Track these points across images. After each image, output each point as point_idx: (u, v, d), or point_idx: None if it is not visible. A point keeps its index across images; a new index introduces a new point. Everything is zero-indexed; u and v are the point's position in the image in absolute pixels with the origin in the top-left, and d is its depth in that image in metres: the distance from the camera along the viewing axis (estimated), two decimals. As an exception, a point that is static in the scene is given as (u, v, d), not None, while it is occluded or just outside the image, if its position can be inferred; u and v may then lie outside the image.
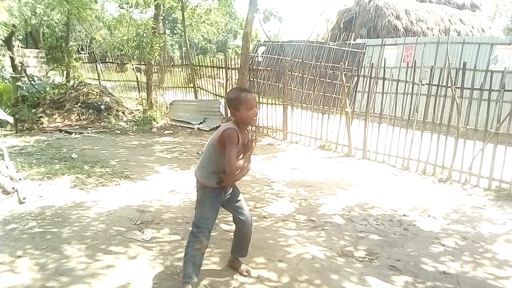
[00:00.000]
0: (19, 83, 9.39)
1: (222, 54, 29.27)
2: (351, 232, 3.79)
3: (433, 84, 6.15)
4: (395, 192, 5.17)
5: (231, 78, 9.97)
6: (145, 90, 12.23)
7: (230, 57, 10.88)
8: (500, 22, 36.00)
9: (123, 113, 10.79)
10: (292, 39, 18.89)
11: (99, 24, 19.62)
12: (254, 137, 2.82)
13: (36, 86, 10.76)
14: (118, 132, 9.11)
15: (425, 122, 6.33)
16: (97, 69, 15.81)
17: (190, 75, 11.47)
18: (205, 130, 9.48)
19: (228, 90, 9.77)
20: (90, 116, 9.93)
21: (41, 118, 9.50)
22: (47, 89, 11.19)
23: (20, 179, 4.72)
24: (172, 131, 9.46)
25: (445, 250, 3.48)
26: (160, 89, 12.27)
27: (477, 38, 11.54)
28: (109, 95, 11.42)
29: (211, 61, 11.79)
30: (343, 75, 7.36)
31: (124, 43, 12.88)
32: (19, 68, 11.08)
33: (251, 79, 9.48)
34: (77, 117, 9.82)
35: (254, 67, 9.81)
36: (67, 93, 10.61)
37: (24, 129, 8.77)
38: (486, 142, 5.45)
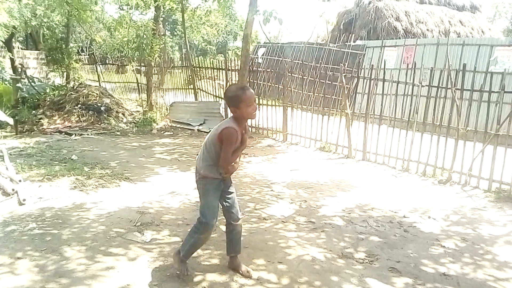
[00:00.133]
0: (19, 85, 9.39)
1: (222, 55, 29.28)
2: (351, 233, 3.79)
3: (433, 85, 6.15)
4: (395, 194, 5.17)
5: (231, 80, 9.98)
6: (145, 92, 12.23)
7: (230, 59, 10.90)
8: (500, 23, 36.05)
9: (123, 114, 10.79)
10: (292, 41, 18.90)
11: (99, 25, 19.63)
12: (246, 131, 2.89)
13: (36, 88, 10.77)
14: (118, 133, 9.11)
15: (425, 124, 6.33)
16: (97, 71, 15.81)
17: (190, 77, 11.47)
18: (205, 132, 9.47)
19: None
20: (90, 118, 9.93)
21: (41, 120, 9.50)
22: (47, 91, 11.20)
23: (20, 181, 4.72)
24: (172, 133, 9.46)
25: (445, 251, 3.48)
26: (160, 90, 12.27)
27: (477, 40, 11.55)
28: (109, 96, 11.42)
29: (211, 62, 11.81)
30: (343, 77, 7.36)
31: (124, 45, 12.91)
32: (19, 70, 11.09)
33: (251, 80, 9.49)
34: (77, 119, 9.82)
35: (254, 68, 9.82)
36: (67, 95, 10.62)
37: (24, 130, 8.77)
38: (486, 144, 5.45)
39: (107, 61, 16.87)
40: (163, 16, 18.13)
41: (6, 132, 8.57)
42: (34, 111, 9.93)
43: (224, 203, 2.92)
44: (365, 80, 7.21)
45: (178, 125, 10.14)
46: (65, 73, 15.38)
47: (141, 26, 12.92)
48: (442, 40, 11.61)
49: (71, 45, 17.26)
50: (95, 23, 17.98)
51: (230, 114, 2.86)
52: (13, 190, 4.43)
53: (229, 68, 9.93)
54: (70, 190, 4.70)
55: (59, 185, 4.84)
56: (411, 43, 12.11)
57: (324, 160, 7.08)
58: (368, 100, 6.98)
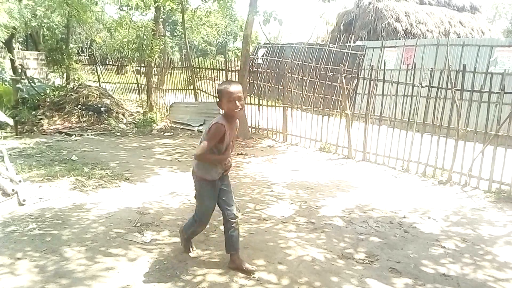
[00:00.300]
0: (19, 85, 9.39)
1: (222, 56, 29.32)
2: (351, 234, 3.79)
3: (433, 86, 6.15)
4: (395, 194, 5.17)
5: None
6: (145, 92, 12.24)
7: (230, 59, 10.90)
8: (500, 24, 36.08)
9: (123, 115, 10.79)
10: (292, 41, 18.91)
11: (99, 26, 19.64)
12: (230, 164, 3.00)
13: (36, 88, 10.77)
14: (118, 134, 9.11)
15: (425, 124, 6.33)
16: (97, 71, 15.83)
17: (190, 77, 11.48)
18: (205, 132, 9.46)
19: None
20: (90, 118, 9.93)
21: (41, 120, 9.50)
22: (47, 91, 11.20)
23: (20, 181, 4.72)
24: (172, 133, 9.46)
25: (445, 252, 3.48)
26: (160, 91, 12.27)
27: (477, 40, 11.54)
28: (109, 97, 11.43)
29: (211, 63, 11.80)
30: (343, 77, 7.36)
31: (124, 45, 12.92)
32: (19, 70, 11.07)
33: (251, 81, 9.50)
34: (77, 119, 9.82)
35: (254, 69, 9.83)
36: (67, 95, 10.62)
37: (24, 131, 8.78)
38: (486, 144, 5.45)
39: (107, 61, 16.89)
40: (163, 17, 18.15)
41: (6, 132, 8.57)
42: (34, 112, 9.93)
43: (220, 200, 2.97)
44: (365, 81, 7.21)
45: (178, 126, 10.15)
46: (65, 74, 15.40)
47: (141, 27, 12.91)
48: (442, 41, 11.61)
49: (71, 45, 17.29)
50: (95, 23, 17.97)
51: None
52: (13, 190, 4.43)
53: (229, 68, 9.93)
54: (70, 191, 4.70)
55: (59, 186, 4.84)
56: (411, 44, 12.12)
57: (324, 160, 7.08)
58: (368, 101, 6.98)
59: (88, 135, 8.72)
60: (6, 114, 8.96)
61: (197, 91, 11.32)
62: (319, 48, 14.83)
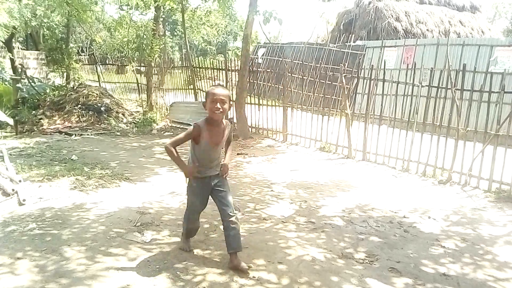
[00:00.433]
0: (19, 85, 9.40)
1: (222, 56, 29.31)
2: (351, 234, 3.79)
3: (433, 85, 6.15)
4: (395, 194, 5.17)
5: (231, 80, 9.97)
6: (145, 92, 12.24)
7: (230, 59, 10.89)
8: (500, 23, 36.05)
9: (123, 114, 10.79)
10: (292, 41, 18.90)
11: (99, 26, 19.65)
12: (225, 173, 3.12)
13: (36, 88, 10.77)
14: (118, 133, 9.11)
15: (425, 124, 6.33)
16: (97, 71, 15.82)
17: (190, 77, 11.48)
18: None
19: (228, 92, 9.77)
20: (90, 118, 9.94)
21: (41, 120, 9.50)
22: (47, 91, 11.21)
23: (20, 181, 4.72)
24: (172, 133, 9.46)
25: (445, 252, 3.48)
26: (160, 90, 12.27)
27: (477, 40, 11.54)
28: (109, 96, 11.43)
29: (211, 63, 11.79)
30: (343, 77, 7.36)
31: (124, 45, 12.92)
32: (19, 70, 11.08)
33: (251, 80, 9.49)
34: (77, 119, 9.82)
35: (254, 68, 9.82)
36: (67, 95, 10.62)
37: (24, 130, 8.78)
38: (486, 144, 5.45)
39: (107, 61, 16.87)
40: (163, 16, 18.14)
41: (6, 132, 8.57)
42: (34, 112, 9.94)
43: (216, 201, 3.05)
44: (365, 81, 7.21)
45: (178, 125, 10.15)
46: (65, 74, 15.40)
47: (141, 27, 12.93)
48: (442, 40, 11.61)
49: (71, 45, 17.29)
50: (95, 23, 18.00)
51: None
52: (13, 190, 4.43)
53: (229, 68, 9.93)
54: (70, 190, 4.70)
55: (59, 185, 4.84)
56: (411, 44, 12.11)
57: (324, 160, 7.08)
58: (368, 101, 6.98)
59: (88, 134, 8.72)
60: (6, 114, 8.97)
61: (197, 90, 11.31)
62: (319, 47, 14.83)
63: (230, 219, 2.96)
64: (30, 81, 10.99)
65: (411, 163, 6.31)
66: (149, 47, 11.50)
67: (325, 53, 14.17)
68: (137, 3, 13.52)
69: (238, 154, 7.13)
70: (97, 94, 10.84)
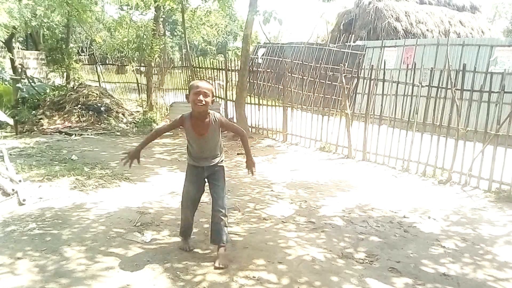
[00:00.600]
0: (19, 85, 9.39)
1: (222, 56, 29.29)
2: (351, 234, 3.79)
3: (433, 85, 6.15)
4: (395, 194, 5.17)
5: (231, 80, 9.98)
6: (145, 92, 12.23)
7: (230, 59, 10.89)
8: (500, 24, 36.02)
9: (123, 114, 10.79)
10: (292, 41, 18.90)
11: (99, 26, 19.63)
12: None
13: (36, 88, 10.76)
14: (118, 133, 9.11)
15: (425, 124, 6.33)
16: (97, 71, 15.82)
17: (190, 77, 11.47)
18: (205, 132, 9.45)
19: (228, 92, 9.79)
20: (90, 118, 9.93)
21: (41, 120, 9.49)
22: (47, 91, 11.20)
23: (20, 181, 4.72)
24: (172, 133, 9.44)
25: (445, 252, 3.48)
26: (160, 90, 12.27)
27: (477, 40, 11.54)
28: (109, 96, 11.42)
29: (211, 63, 11.79)
30: (343, 77, 7.36)
31: (124, 45, 12.91)
32: (19, 70, 11.08)
33: (251, 80, 9.49)
34: (77, 119, 9.81)
35: (254, 68, 9.82)
36: (67, 95, 10.61)
37: (24, 130, 8.77)
38: (486, 144, 5.45)
39: (107, 61, 16.87)
40: (163, 16, 18.11)
41: (6, 132, 8.57)
42: (34, 111, 9.93)
43: (211, 194, 3.18)
44: (365, 81, 7.21)
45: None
46: (65, 74, 15.39)
47: (141, 27, 12.92)
48: (442, 41, 11.61)
49: (71, 45, 17.28)
50: (95, 23, 17.97)
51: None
52: (13, 190, 4.43)
53: (229, 68, 9.93)
54: (70, 190, 4.70)
55: (59, 185, 4.84)
56: (411, 44, 12.11)
57: (324, 160, 7.08)
58: (368, 101, 6.98)
59: (88, 134, 8.71)
60: (6, 114, 8.96)
61: (197, 90, 11.29)
62: (319, 47, 14.83)
63: (216, 213, 3.09)
64: (30, 81, 10.98)
65: (411, 163, 6.31)
66: (149, 47, 11.49)
67: (325, 53, 14.17)
68: (137, 3, 13.52)
69: (238, 154, 7.13)
70: (97, 94, 10.84)
